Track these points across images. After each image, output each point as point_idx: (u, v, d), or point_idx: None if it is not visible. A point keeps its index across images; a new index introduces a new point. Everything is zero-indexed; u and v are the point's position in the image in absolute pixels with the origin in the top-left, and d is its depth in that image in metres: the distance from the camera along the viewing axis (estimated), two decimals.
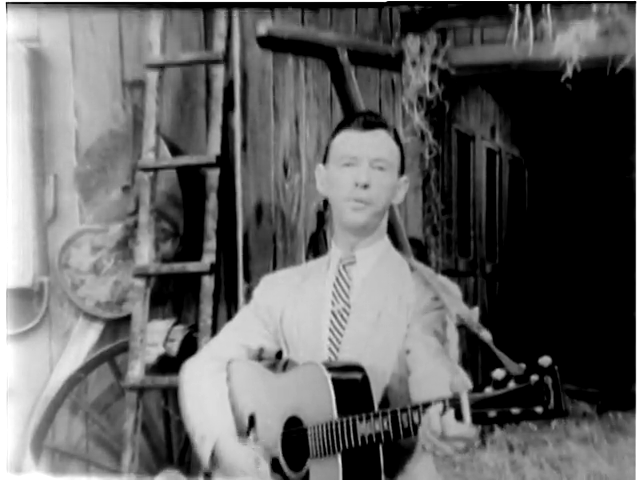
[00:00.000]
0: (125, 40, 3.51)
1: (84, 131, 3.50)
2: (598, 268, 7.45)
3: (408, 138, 4.38)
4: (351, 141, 1.69)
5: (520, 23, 3.97)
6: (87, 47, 3.50)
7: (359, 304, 1.69)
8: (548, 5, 3.92)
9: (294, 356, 1.75)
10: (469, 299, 5.89)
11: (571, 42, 3.92)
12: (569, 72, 3.98)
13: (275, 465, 1.67)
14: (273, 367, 1.79)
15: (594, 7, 3.86)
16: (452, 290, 1.68)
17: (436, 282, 1.66)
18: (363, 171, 1.66)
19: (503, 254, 6.77)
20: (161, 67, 3.38)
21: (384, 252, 1.75)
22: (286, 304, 1.77)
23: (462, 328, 1.56)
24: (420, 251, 4.27)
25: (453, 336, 1.63)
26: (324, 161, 1.76)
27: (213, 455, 1.73)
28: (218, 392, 1.80)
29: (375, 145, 1.68)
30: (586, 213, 7.65)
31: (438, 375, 1.51)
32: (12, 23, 3.22)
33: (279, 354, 1.81)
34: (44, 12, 3.40)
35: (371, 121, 1.71)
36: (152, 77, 3.37)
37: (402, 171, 1.75)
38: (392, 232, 3.77)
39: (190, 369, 1.85)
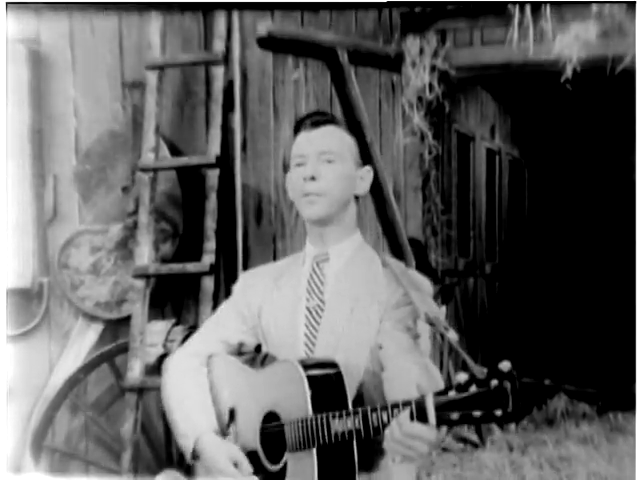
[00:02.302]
0: (125, 41, 3.51)
1: (84, 131, 3.51)
2: (598, 268, 7.46)
3: (408, 139, 4.38)
4: (301, 142, 1.74)
5: (520, 24, 3.97)
6: (87, 48, 3.51)
7: (332, 301, 1.73)
8: (548, 6, 3.91)
9: (272, 350, 1.79)
10: (469, 299, 5.90)
11: (571, 42, 3.92)
12: (569, 72, 3.97)
13: (253, 458, 1.71)
14: (252, 360, 1.83)
15: (594, 8, 3.86)
16: (423, 286, 1.71)
17: (407, 279, 1.70)
18: (310, 165, 1.71)
19: (503, 254, 6.77)
20: (161, 68, 3.38)
21: (357, 249, 1.78)
22: (264, 300, 1.81)
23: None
24: (420, 251, 4.27)
25: (424, 330, 1.67)
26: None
27: (194, 452, 1.77)
28: (199, 388, 1.84)
29: (321, 139, 1.73)
30: (586, 213, 7.65)
31: (409, 373, 1.56)
32: (12, 24, 3.22)
33: (258, 348, 1.85)
34: (44, 13, 3.41)
35: (318, 120, 1.75)
36: (152, 78, 3.37)
37: (366, 162, 1.78)
38: (392, 232, 3.79)
39: (171, 366, 1.88)
